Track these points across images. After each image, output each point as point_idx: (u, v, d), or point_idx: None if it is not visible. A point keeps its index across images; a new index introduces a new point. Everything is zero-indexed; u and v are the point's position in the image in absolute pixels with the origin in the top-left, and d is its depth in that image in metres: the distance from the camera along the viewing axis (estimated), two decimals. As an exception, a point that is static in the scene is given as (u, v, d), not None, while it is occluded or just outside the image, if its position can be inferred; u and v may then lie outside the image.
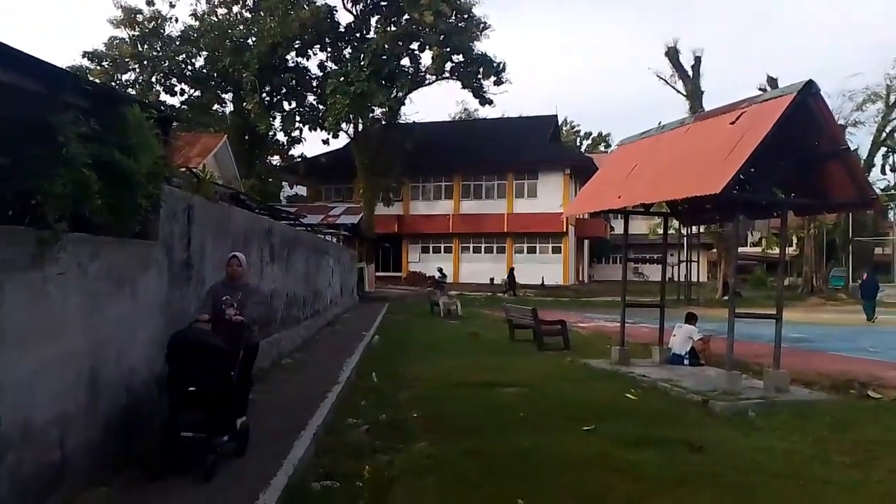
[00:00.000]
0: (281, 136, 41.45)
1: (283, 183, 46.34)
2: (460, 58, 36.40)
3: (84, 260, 4.65)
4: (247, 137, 37.92)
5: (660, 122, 13.78)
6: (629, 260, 13.82)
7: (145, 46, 38.08)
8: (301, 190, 48.40)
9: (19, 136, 4.20)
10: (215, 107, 40.90)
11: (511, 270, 37.33)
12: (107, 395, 5.08)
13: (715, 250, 44.21)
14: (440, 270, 32.51)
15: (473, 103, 45.88)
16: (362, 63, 34.41)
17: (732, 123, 9.67)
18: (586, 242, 50.06)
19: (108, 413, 5.08)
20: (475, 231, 42.98)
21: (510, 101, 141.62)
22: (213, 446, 5.17)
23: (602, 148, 77.41)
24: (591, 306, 30.10)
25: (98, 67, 36.63)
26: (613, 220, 49.65)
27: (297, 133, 40.43)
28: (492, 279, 40.10)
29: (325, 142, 39.33)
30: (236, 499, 4.69)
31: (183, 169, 7.84)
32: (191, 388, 5.17)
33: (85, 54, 37.02)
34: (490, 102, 37.87)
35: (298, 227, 15.63)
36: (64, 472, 4.46)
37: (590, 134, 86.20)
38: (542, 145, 44.15)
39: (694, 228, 31.68)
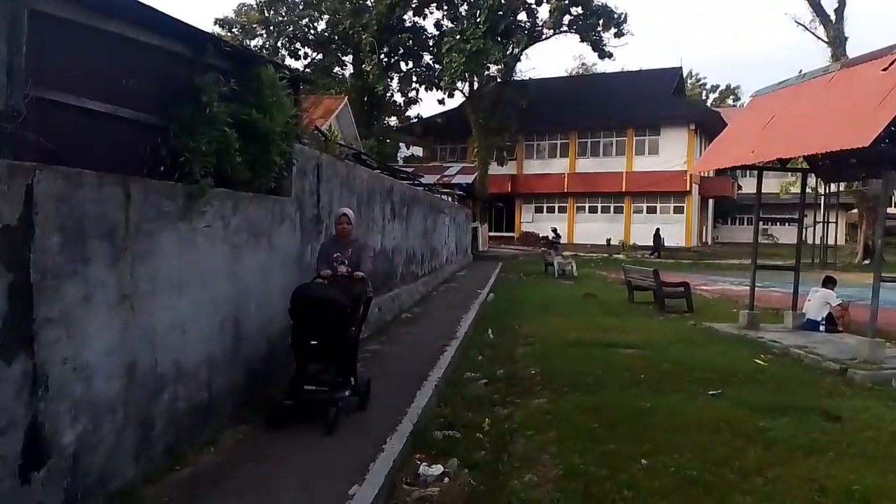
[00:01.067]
0: (398, 97, 42.16)
1: (400, 143, 47.15)
2: (579, 10, 35.10)
3: (227, 213, 4.97)
4: (365, 99, 38.82)
5: (800, 71, 12.74)
6: (759, 220, 13.01)
7: (271, 12, 39.82)
8: (417, 150, 49.07)
9: (168, 96, 4.51)
10: (336, 69, 42.18)
11: (657, 231, 36.11)
12: (249, 341, 5.46)
13: (855, 211, 40.76)
14: (554, 230, 32.13)
15: (592, 57, 44.35)
16: (478, 20, 33.97)
17: (885, 70, 8.79)
18: (710, 202, 47.52)
19: (249, 358, 5.47)
20: (591, 190, 41.77)
21: (631, 54, 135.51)
22: (335, 400, 5.31)
23: (730, 101, 72.68)
24: (715, 269, 28.81)
25: (228, 34, 38.54)
26: (742, 178, 46.92)
27: (413, 93, 40.85)
28: (608, 240, 39.14)
29: (441, 101, 39.72)
30: (363, 443, 4.90)
31: (311, 129, 8.15)
32: (312, 342, 5.32)
33: (216, 21, 39.36)
34: (610, 56, 36.37)
35: (416, 187, 15.91)
36: (210, 411, 4.86)
37: (717, 87, 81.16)
38: (665, 100, 41.99)
39: (833, 186, 29.35)
